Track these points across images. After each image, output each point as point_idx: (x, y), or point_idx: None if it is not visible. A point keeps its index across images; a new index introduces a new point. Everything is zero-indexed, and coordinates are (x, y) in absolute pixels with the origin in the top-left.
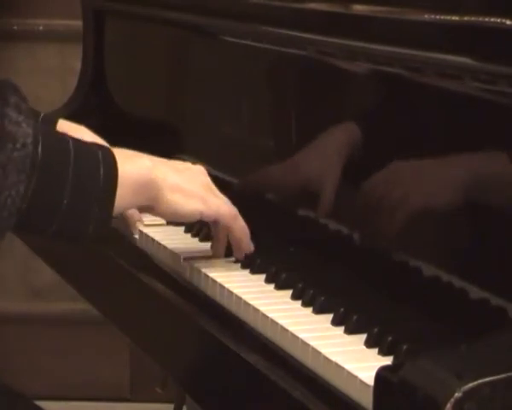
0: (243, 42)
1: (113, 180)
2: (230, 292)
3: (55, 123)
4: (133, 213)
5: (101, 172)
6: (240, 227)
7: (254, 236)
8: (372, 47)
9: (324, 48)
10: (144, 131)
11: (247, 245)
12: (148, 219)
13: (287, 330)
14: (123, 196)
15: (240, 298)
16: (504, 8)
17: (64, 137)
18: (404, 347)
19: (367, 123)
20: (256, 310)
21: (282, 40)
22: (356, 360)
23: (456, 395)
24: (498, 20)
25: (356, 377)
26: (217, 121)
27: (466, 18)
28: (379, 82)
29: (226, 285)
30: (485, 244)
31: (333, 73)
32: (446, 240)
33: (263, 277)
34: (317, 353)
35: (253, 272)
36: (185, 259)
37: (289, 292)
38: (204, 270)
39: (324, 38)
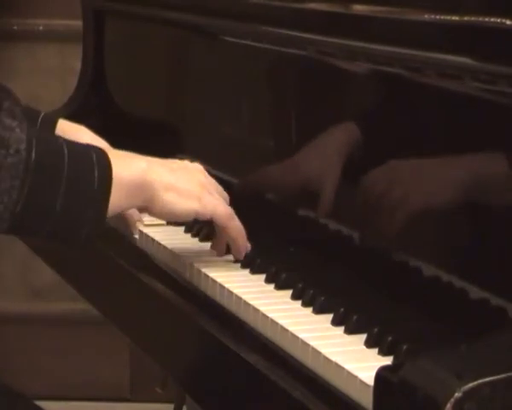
0: (243, 42)
1: (108, 182)
2: (230, 292)
3: (55, 123)
4: (133, 213)
5: (96, 174)
6: (235, 227)
7: (254, 236)
8: (372, 47)
9: (324, 48)
10: (144, 131)
11: (243, 245)
12: (147, 219)
13: (287, 330)
14: (117, 198)
15: (240, 298)
16: (504, 8)
17: (58, 141)
18: (404, 347)
19: (367, 123)
20: (256, 310)
21: (282, 40)
22: (356, 360)
23: (456, 395)
24: (498, 20)
25: (356, 377)
26: (217, 121)
27: (466, 18)
28: (379, 82)
29: (226, 285)
30: (485, 244)
31: (333, 73)
32: (446, 240)
33: (263, 277)
34: (317, 353)
35: (253, 272)
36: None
37: (289, 292)
38: (204, 270)
39: (324, 38)
